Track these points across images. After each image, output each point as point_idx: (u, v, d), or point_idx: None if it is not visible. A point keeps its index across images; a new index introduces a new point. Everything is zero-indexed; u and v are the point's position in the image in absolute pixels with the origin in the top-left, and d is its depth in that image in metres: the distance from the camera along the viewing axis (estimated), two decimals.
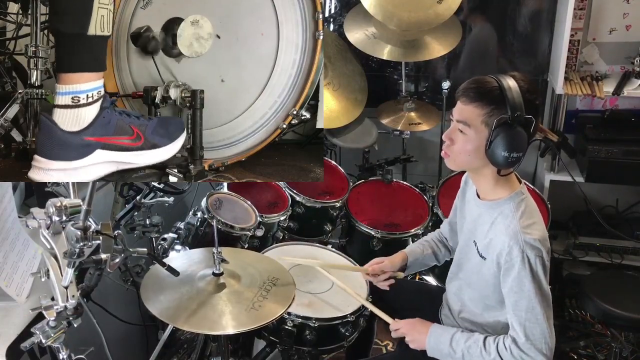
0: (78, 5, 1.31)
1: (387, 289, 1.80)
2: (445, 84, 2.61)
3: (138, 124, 1.47)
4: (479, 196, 1.55)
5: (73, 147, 1.37)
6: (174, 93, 1.60)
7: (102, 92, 1.41)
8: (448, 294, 1.74)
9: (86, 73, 1.36)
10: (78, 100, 1.36)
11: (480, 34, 2.98)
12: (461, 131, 1.44)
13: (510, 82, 1.38)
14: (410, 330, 1.61)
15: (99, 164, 1.42)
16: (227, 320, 1.41)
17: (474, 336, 1.49)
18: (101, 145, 1.41)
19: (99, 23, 1.34)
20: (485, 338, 1.47)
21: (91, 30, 1.33)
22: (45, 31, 1.58)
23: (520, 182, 1.53)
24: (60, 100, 1.36)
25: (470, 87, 1.42)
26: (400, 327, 1.63)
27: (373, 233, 2.27)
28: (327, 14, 3.06)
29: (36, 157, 1.36)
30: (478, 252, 1.52)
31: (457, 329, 1.55)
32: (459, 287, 1.66)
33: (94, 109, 1.39)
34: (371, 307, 1.75)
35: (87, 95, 1.37)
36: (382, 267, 1.79)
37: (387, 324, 1.67)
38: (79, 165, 1.38)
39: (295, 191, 2.37)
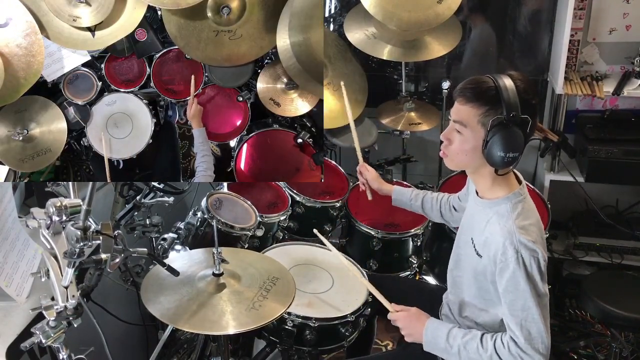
0: None
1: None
2: (445, 84, 2.61)
3: None
4: (478, 194, 1.55)
5: None
6: None
7: None
8: (448, 290, 1.74)
9: None
10: None
11: (480, 34, 2.98)
12: (458, 131, 1.44)
13: (507, 82, 1.37)
14: (407, 323, 1.59)
15: None
16: (228, 320, 1.41)
17: (471, 332, 1.49)
18: None
19: None
20: (482, 335, 1.46)
21: None
22: None
23: (520, 182, 1.52)
24: None
25: (467, 87, 1.41)
26: (397, 318, 1.61)
27: (373, 233, 2.27)
28: (327, 14, 3.05)
29: None
30: (475, 249, 1.52)
31: (455, 325, 1.55)
32: (458, 282, 1.65)
33: None
34: (373, 290, 1.71)
35: None
36: (366, 176, 2.03)
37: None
38: None
39: (295, 191, 2.36)
